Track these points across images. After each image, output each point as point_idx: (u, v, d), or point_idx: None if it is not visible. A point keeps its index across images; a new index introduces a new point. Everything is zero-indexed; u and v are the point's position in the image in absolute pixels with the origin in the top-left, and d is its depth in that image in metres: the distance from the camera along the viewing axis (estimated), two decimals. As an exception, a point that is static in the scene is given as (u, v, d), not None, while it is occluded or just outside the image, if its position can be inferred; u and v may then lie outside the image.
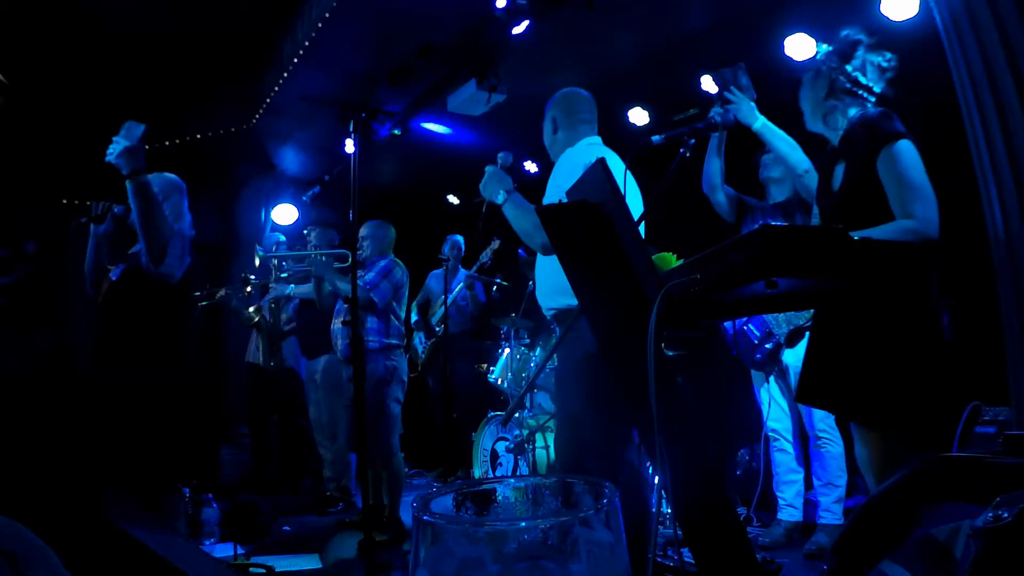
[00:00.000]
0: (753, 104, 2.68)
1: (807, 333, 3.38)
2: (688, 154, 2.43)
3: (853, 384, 1.95)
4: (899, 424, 1.92)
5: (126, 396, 2.74)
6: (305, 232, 4.81)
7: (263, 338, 5.08)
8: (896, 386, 1.89)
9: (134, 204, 2.82)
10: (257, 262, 4.45)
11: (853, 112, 2.13)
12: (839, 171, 2.10)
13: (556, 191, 2.54)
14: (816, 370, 2.06)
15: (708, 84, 4.54)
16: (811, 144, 2.54)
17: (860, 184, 2.00)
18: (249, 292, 4.98)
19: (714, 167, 3.09)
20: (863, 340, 1.91)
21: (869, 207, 1.97)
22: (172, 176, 3.17)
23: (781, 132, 2.67)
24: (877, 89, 2.14)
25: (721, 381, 4.33)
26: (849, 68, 2.13)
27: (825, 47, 2.22)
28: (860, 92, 2.13)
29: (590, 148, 2.60)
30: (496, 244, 5.61)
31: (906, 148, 1.94)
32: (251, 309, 5.08)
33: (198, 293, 4.98)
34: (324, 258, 4.23)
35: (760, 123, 2.66)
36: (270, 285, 4.91)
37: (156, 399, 2.82)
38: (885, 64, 2.15)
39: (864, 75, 2.13)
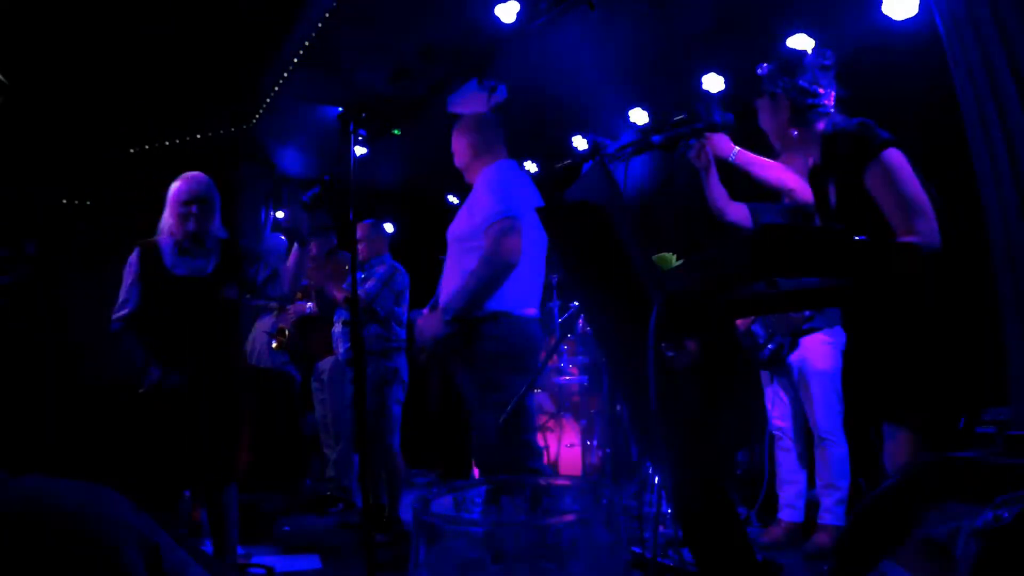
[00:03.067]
0: (726, 137, 2.55)
1: (799, 342, 3.38)
2: (688, 153, 2.42)
3: (901, 388, 1.91)
4: (944, 424, 1.90)
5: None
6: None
7: (291, 354, 5.10)
8: (940, 386, 1.86)
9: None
10: None
11: (822, 126, 2.05)
12: (831, 189, 2.06)
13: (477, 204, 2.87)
14: (866, 382, 2.02)
15: (709, 84, 4.54)
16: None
17: (853, 201, 1.95)
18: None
19: (714, 192, 3.00)
20: (902, 343, 1.88)
21: (867, 223, 1.92)
22: (204, 177, 3.16)
23: (756, 156, 2.62)
24: (834, 93, 2.06)
25: (724, 380, 4.33)
26: (803, 83, 2.03)
27: (767, 67, 2.11)
28: (821, 103, 2.04)
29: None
30: None
31: (895, 158, 1.86)
32: (276, 330, 5.09)
33: None
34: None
35: (734, 154, 2.56)
36: (288, 307, 4.90)
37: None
38: (828, 63, 2.06)
39: (819, 84, 2.03)
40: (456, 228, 2.96)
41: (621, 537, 0.64)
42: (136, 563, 0.70)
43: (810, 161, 2.16)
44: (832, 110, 2.06)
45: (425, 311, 3.15)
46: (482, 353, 2.76)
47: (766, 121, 2.16)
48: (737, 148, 2.55)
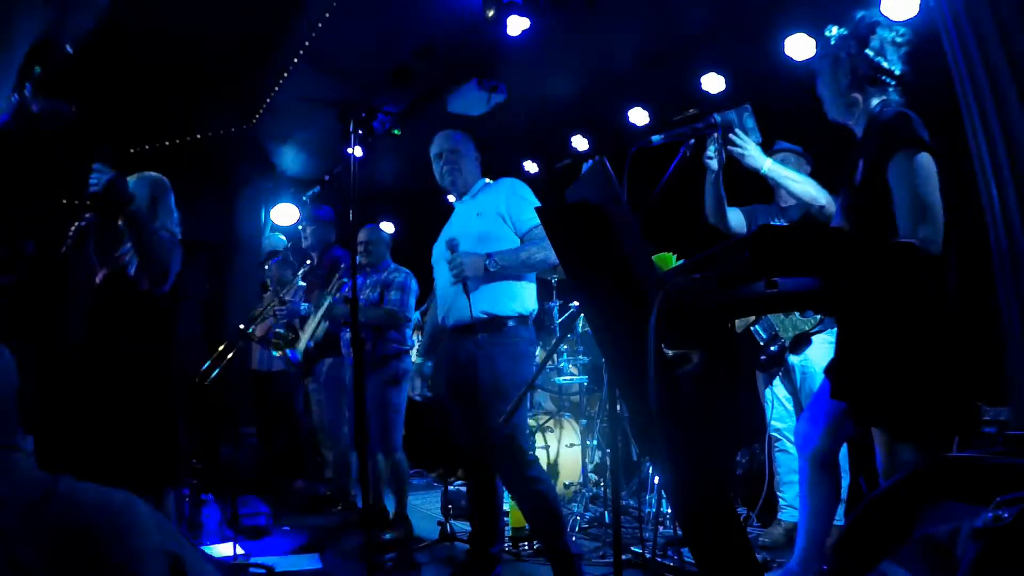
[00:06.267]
0: (759, 148, 2.55)
1: (812, 339, 3.38)
2: (688, 154, 2.42)
3: (880, 390, 1.87)
4: (928, 431, 1.87)
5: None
6: (300, 228, 4.83)
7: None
8: (923, 390, 1.82)
9: (130, 235, 2.83)
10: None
11: (875, 102, 2.05)
12: (860, 165, 2.04)
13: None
14: (848, 376, 1.97)
15: (709, 84, 4.53)
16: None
17: (875, 185, 1.94)
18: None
19: (714, 199, 2.92)
20: (886, 344, 1.84)
21: (879, 209, 1.92)
22: (155, 174, 3.12)
23: (790, 172, 2.59)
24: (897, 71, 2.03)
25: (723, 381, 4.33)
26: (870, 52, 2.02)
27: (839, 30, 2.11)
28: (882, 77, 2.02)
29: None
30: None
31: (923, 162, 1.85)
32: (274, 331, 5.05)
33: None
34: (339, 295, 4.18)
35: (768, 167, 2.56)
36: (285, 305, 4.86)
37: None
38: (900, 39, 2.04)
39: (885, 58, 2.02)
40: (474, 228, 3.09)
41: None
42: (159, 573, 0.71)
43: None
44: (892, 88, 2.05)
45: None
46: (512, 351, 2.93)
47: (824, 85, 2.13)
48: (769, 161, 2.55)
